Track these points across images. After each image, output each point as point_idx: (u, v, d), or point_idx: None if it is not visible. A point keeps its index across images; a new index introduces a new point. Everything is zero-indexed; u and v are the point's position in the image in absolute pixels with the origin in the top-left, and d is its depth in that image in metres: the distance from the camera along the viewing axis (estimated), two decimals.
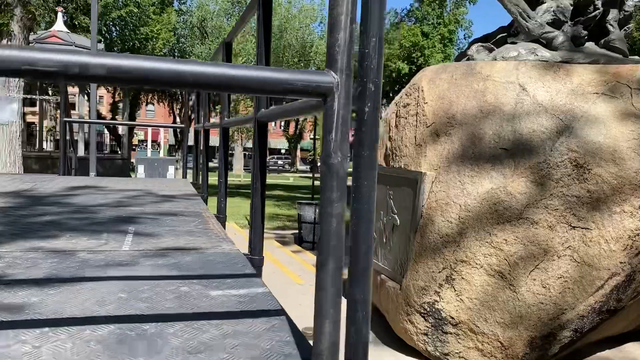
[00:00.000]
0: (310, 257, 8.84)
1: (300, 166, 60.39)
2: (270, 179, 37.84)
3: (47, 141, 31.16)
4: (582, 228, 3.28)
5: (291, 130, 53.31)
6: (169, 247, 2.02)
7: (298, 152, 59.74)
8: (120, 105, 40.56)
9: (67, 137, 6.26)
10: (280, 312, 1.32)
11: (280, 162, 62.41)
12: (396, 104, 4.29)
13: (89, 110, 11.04)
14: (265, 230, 8.16)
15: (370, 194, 0.97)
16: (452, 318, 3.47)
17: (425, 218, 3.68)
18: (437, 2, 42.83)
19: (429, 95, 3.92)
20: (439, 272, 3.54)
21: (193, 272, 1.67)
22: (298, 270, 7.46)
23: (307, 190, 24.98)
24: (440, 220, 3.58)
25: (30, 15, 9.80)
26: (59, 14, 24.58)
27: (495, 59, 4.00)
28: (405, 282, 3.80)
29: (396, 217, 4.01)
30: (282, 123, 56.24)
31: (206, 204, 3.69)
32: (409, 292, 3.74)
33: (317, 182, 32.02)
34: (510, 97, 3.62)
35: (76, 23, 27.31)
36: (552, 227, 3.31)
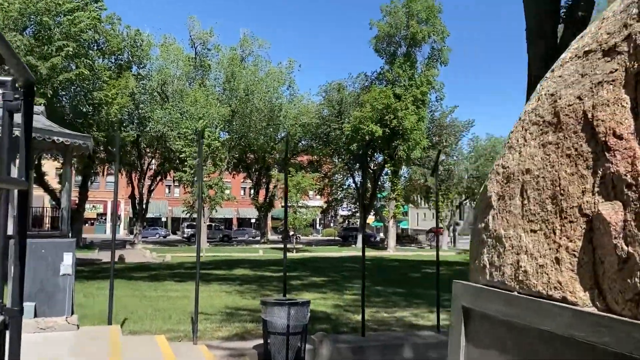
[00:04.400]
0: None
1: (271, 236, 56.69)
2: (234, 252, 34.10)
3: None
4: None
5: (261, 197, 50.05)
6: None
7: (269, 221, 56.18)
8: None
9: None
10: None
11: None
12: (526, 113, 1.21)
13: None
14: (213, 343, 4.29)
15: None
16: None
17: None
18: (408, 63, 41.63)
19: None
20: None
21: None
22: None
23: (279, 267, 21.36)
24: None
25: None
26: None
27: None
28: None
29: None
30: (252, 191, 53.09)
31: None
32: None
33: (292, 255, 28.40)
34: None
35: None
36: None
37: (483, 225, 1.41)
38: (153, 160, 45.97)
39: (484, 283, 1.36)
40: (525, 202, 1.24)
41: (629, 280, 0.96)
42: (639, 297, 0.93)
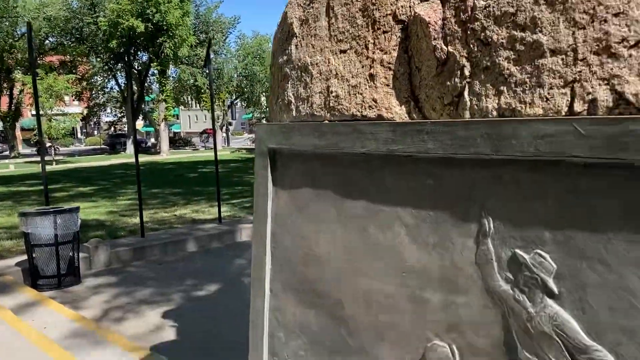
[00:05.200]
0: (61, 318, 4.94)
1: (23, 150, 49.73)
2: None
3: None
4: None
5: (4, 106, 42.87)
6: None
7: (18, 133, 48.92)
8: None
9: None
10: None
11: None
12: None
13: None
14: None
15: None
16: None
17: None
18: None
19: None
20: None
21: None
22: None
23: (36, 181, 18.99)
24: None
25: None
26: None
27: None
28: None
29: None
30: None
31: None
32: None
33: (53, 167, 25.50)
34: None
35: None
36: None
37: (285, 58, 1.25)
38: None
39: (290, 120, 1.23)
40: (333, 21, 1.11)
41: (448, 83, 0.91)
42: (458, 99, 0.89)
